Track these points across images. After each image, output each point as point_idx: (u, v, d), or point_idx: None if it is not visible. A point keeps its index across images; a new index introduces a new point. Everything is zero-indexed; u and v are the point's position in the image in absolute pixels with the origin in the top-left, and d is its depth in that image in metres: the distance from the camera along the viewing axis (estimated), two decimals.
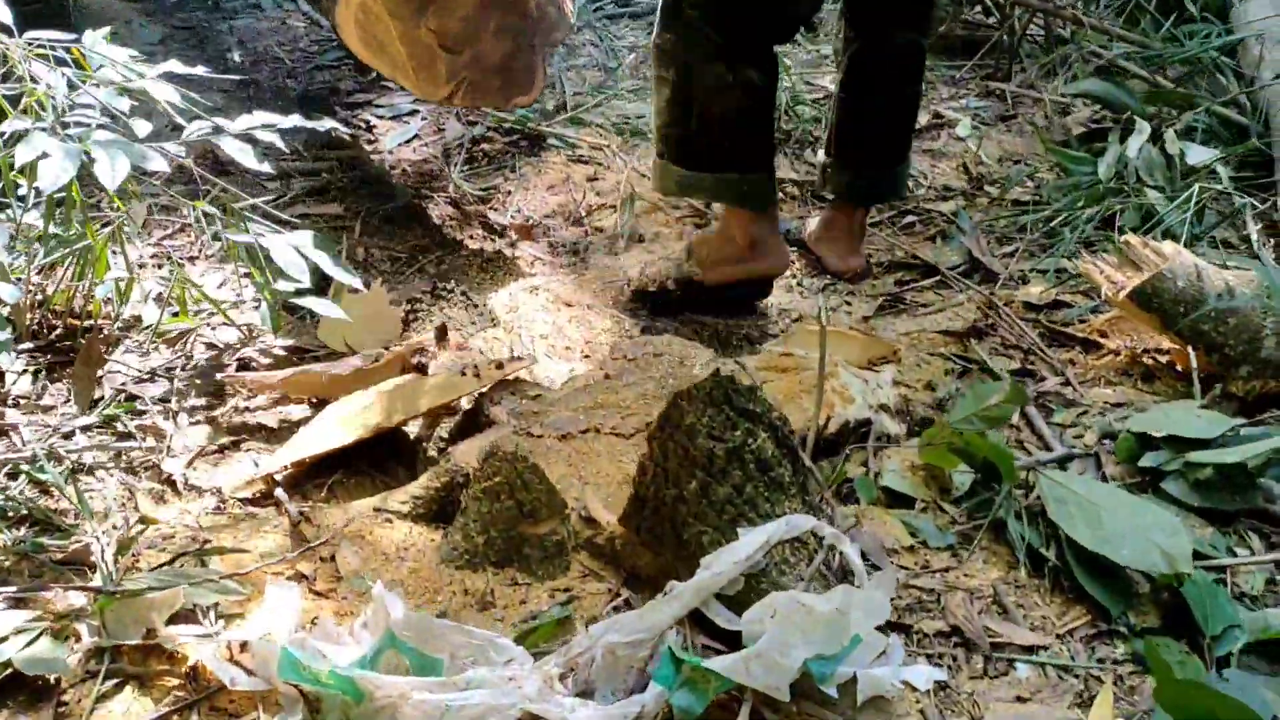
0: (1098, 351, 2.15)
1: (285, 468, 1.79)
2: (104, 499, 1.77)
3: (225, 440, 1.92)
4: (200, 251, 2.46)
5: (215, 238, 2.07)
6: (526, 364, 1.94)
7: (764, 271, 2.35)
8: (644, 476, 1.49)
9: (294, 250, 1.97)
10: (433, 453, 1.89)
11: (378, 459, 1.87)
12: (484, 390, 1.89)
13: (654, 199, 2.86)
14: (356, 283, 2.01)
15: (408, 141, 3.21)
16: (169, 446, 1.86)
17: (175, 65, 1.99)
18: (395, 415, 1.83)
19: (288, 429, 1.95)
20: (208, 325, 2.23)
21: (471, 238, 2.73)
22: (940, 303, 2.39)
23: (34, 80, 1.88)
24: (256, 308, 2.22)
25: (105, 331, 2.17)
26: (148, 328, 2.19)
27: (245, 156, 1.98)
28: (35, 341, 2.15)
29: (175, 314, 2.20)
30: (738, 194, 2.27)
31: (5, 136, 1.83)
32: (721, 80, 2.14)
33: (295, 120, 2.07)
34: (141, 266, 2.37)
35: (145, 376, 2.05)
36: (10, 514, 1.71)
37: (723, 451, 1.44)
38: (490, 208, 2.89)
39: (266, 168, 2.03)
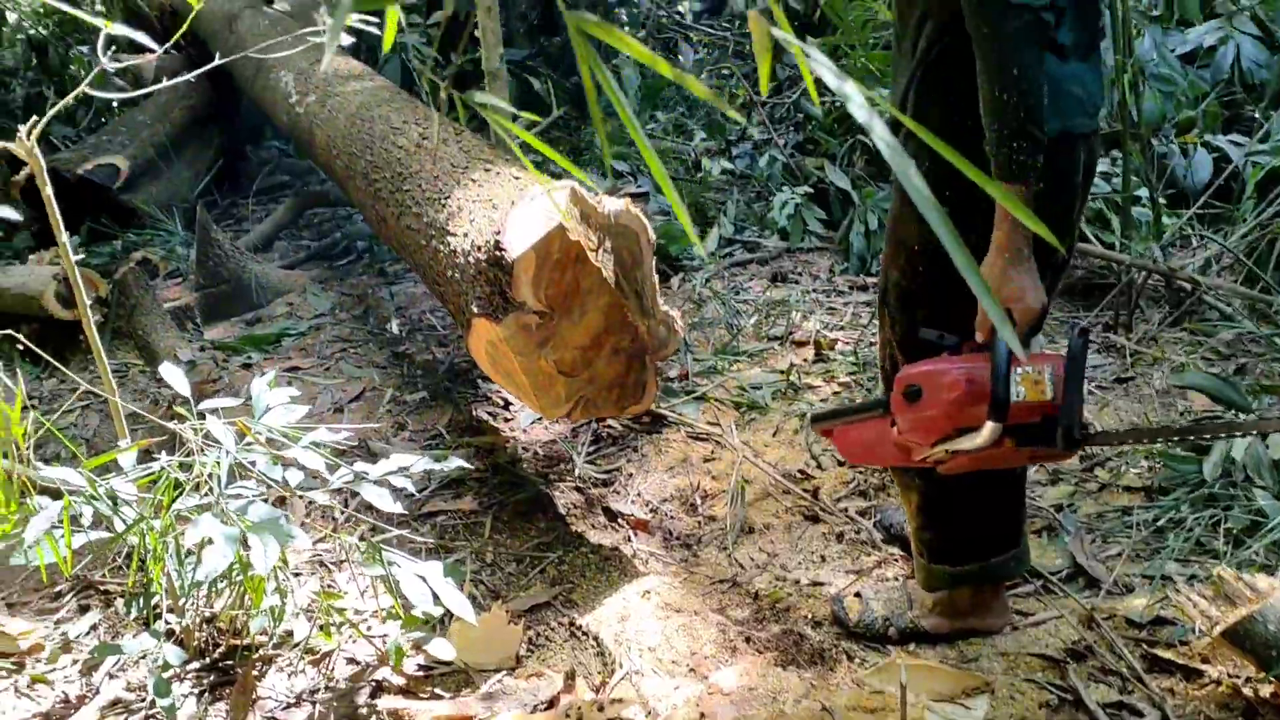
0: (1199, 680, 2.15)
1: None
2: None
3: None
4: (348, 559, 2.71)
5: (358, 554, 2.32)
6: (628, 708, 2.08)
7: (987, 629, 2.36)
8: None
9: (422, 581, 2.19)
10: None
11: None
12: None
13: (765, 485, 3.01)
14: (470, 616, 2.20)
15: (540, 420, 3.46)
16: None
17: (323, 433, 2.25)
18: None
19: None
20: (350, 641, 2.46)
21: (593, 527, 2.93)
22: (1040, 610, 2.43)
23: (207, 442, 2.19)
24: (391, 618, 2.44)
25: (260, 651, 2.43)
26: (297, 645, 2.44)
27: (383, 501, 2.23)
28: (201, 660, 2.42)
29: (322, 627, 2.45)
30: (1004, 573, 2.30)
31: (175, 511, 2.12)
32: (979, 480, 2.14)
33: (425, 463, 2.33)
34: (296, 575, 2.65)
35: (292, 702, 2.29)
36: None
37: None
38: (613, 491, 3.09)
39: (399, 508, 2.27)
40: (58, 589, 2.75)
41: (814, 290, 4.34)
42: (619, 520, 2.94)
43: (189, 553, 2.18)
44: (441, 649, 2.24)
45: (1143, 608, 2.36)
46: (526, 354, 2.60)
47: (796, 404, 3.43)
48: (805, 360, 3.71)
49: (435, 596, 2.18)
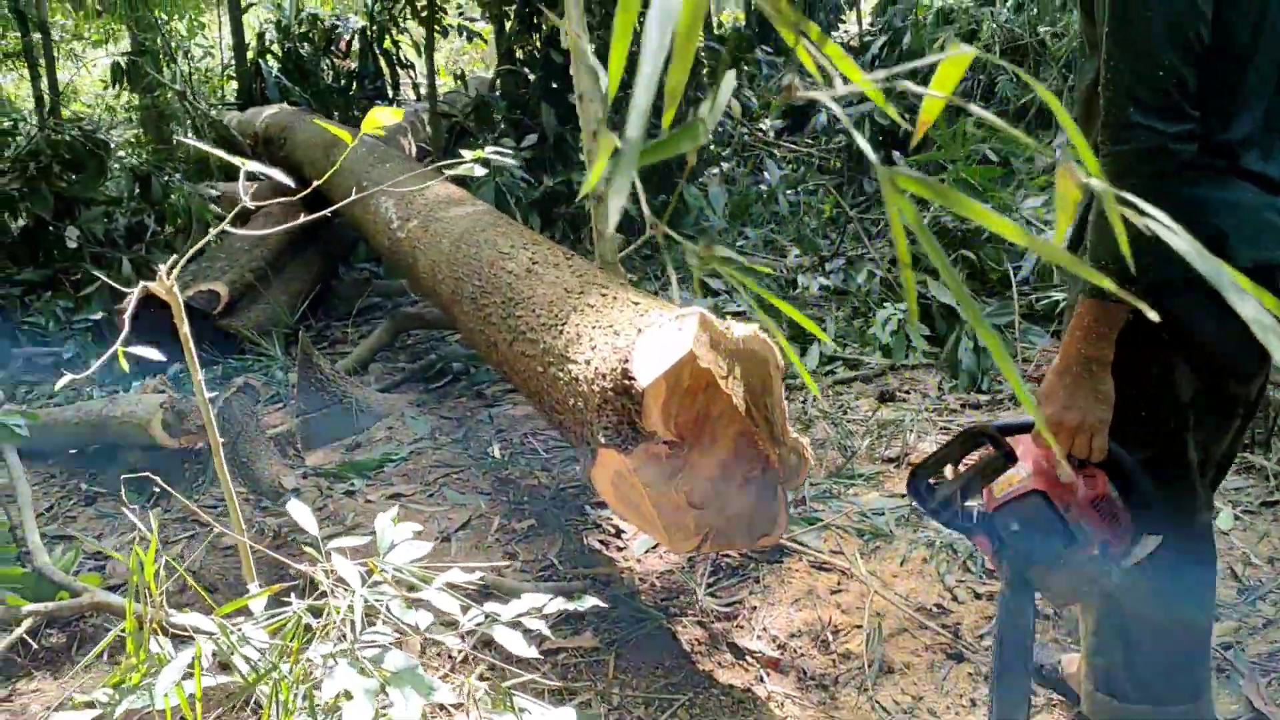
0: None
1: None
2: None
3: None
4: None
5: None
6: None
7: None
8: None
9: None
10: None
11: None
12: None
13: (900, 619, 2.85)
14: None
15: (654, 548, 3.35)
16: None
17: (456, 574, 2.16)
18: None
19: None
20: None
21: (720, 665, 2.78)
22: None
23: (337, 585, 2.11)
24: None
25: None
26: None
27: (516, 644, 2.13)
28: None
29: None
30: None
31: (309, 660, 2.04)
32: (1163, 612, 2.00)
33: (559, 604, 2.22)
34: None
35: None
36: None
37: None
38: (737, 625, 2.95)
39: (534, 652, 2.16)
40: None
41: (924, 409, 4.21)
42: (747, 658, 2.80)
43: (329, 706, 2.08)
44: None
45: None
46: (656, 485, 2.50)
47: (922, 531, 3.28)
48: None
49: None
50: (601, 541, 3.42)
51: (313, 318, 6.35)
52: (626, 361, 2.50)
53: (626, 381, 2.47)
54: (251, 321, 5.70)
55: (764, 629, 2.92)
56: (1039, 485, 1.81)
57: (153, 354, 2.02)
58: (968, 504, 1.85)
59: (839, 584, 3.07)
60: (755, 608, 3.02)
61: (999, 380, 4.40)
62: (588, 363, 2.71)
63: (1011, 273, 4.73)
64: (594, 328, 2.83)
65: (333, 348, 5.91)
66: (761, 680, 2.71)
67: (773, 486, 2.66)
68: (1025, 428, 1.83)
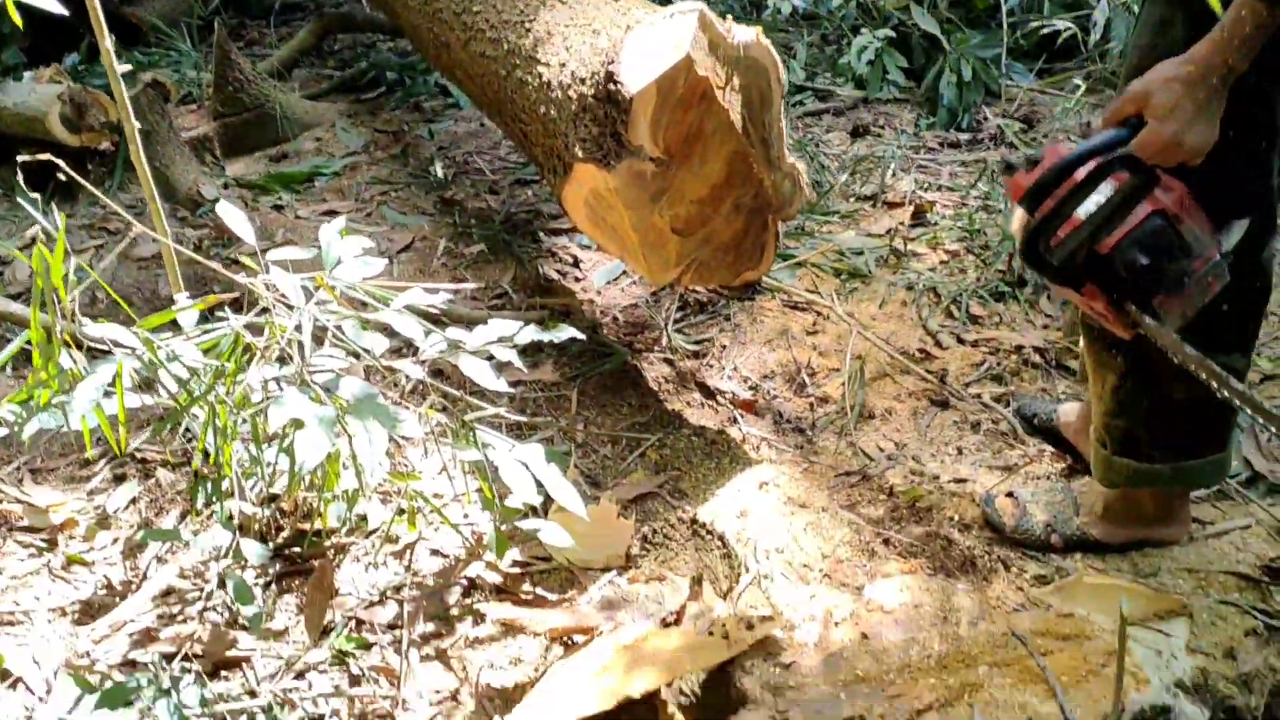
0: None
1: None
2: None
3: (456, 685, 1.84)
4: (429, 449, 2.39)
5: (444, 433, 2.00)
6: (777, 624, 1.79)
7: (1164, 539, 2.08)
8: None
9: (523, 468, 1.87)
10: (679, 716, 1.76)
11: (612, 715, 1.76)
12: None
13: (881, 363, 2.68)
14: (581, 509, 1.88)
15: (615, 280, 3.11)
16: (403, 700, 1.79)
17: (417, 294, 1.89)
18: (639, 684, 1.70)
19: (515, 664, 1.87)
20: (433, 527, 2.16)
21: (690, 405, 2.61)
22: (1220, 519, 2.15)
23: (278, 302, 1.84)
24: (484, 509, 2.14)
25: (333, 539, 2.12)
26: (374, 532, 2.14)
27: (484, 376, 1.90)
28: (265, 545, 2.12)
29: (402, 512, 2.14)
30: (1200, 479, 2.02)
31: (249, 384, 1.78)
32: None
33: (532, 332, 1.98)
34: None
35: (375, 600, 1.99)
36: None
37: None
38: (706, 364, 2.76)
39: (504, 385, 1.94)
40: (86, 456, 2.42)
41: (901, 146, 3.94)
42: (718, 399, 2.62)
43: (275, 435, 1.84)
44: (555, 535, 1.93)
45: None
46: (639, 207, 2.23)
47: (902, 273, 3.08)
48: (903, 224, 3.34)
49: (538, 485, 1.86)
50: (558, 271, 3.16)
51: (226, 13, 5.72)
52: (612, 64, 2.16)
53: (611, 87, 2.14)
54: (158, 10, 5.10)
55: (735, 369, 2.74)
56: (1156, 205, 1.57)
57: (53, 4, 1.63)
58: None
59: (815, 325, 2.88)
60: (725, 347, 2.82)
61: (981, 117, 4.12)
62: (562, 65, 2.36)
63: (1001, 1, 4.36)
64: (568, 26, 2.46)
65: (249, 49, 5.34)
66: (735, 422, 2.54)
67: (764, 216, 2.40)
68: (1108, 148, 1.56)
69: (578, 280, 3.14)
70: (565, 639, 1.88)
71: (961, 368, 2.67)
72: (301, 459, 1.53)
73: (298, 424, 1.60)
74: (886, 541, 2.13)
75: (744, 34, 2.25)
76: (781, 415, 2.56)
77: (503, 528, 1.99)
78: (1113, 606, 1.86)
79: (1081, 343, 2.01)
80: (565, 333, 2.02)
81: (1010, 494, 2.18)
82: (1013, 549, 2.11)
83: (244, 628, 1.92)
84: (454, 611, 1.99)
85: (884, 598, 1.89)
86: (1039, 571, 2.06)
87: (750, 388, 2.67)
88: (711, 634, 1.76)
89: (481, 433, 1.93)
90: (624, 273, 3.13)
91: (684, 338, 2.84)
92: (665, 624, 1.88)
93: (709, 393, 2.65)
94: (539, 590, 2.04)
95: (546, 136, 2.40)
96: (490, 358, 1.94)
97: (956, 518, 2.19)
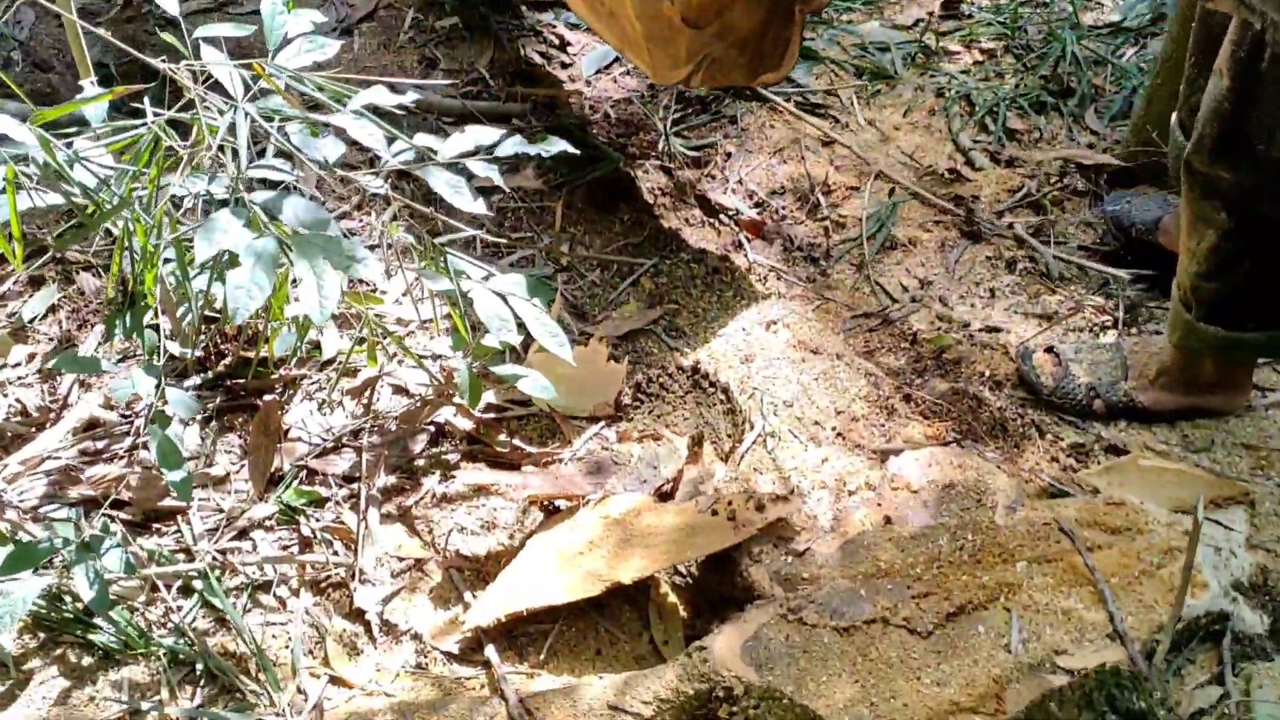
0: None
1: (497, 620, 1.49)
2: (288, 639, 1.50)
3: (421, 552, 1.62)
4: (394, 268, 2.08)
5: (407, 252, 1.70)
6: (793, 506, 1.56)
7: (1219, 408, 1.87)
8: None
9: (501, 302, 1.60)
10: (672, 598, 1.56)
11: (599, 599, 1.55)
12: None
13: (908, 181, 2.38)
14: (567, 354, 1.61)
15: (607, 67, 2.74)
16: (359, 570, 1.57)
17: (380, 94, 1.54)
18: (630, 569, 1.49)
19: (488, 529, 1.65)
20: (396, 360, 1.89)
21: (689, 223, 2.31)
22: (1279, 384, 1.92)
23: (202, 99, 1.50)
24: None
25: (281, 370, 1.85)
26: (328, 364, 1.87)
27: (459, 196, 1.59)
28: (202, 374, 1.85)
29: (361, 341, 1.86)
30: None
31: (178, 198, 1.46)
32: None
33: (516, 144, 1.65)
34: None
35: (329, 446, 1.74)
36: (184, 659, 1.45)
37: None
38: (708, 175, 2.44)
39: (481, 207, 1.62)
40: None
41: None
42: (721, 217, 2.32)
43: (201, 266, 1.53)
44: (536, 385, 1.67)
45: None
46: None
47: (931, 75, 2.72)
48: (933, 14, 2.94)
49: (519, 323, 1.59)
50: (542, 54, 2.77)
51: None
52: None
53: None
54: None
55: (740, 182, 2.42)
56: None
57: None
58: None
59: (832, 133, 2.54)
60: (730, 155, 2.49)
61: None
62: None
63: None
64: None
65: None
66: (740, 247, 2.25)
67: (789, 5, 2.04)
68: None
69: (564, 66, 2.76)
70: (546, 504, 1.66)
71: (997, 192, 2.37)
72: (234, 305, 1.24)
73: (231, 260, 1.30)
74: (908, 398, 1.90)
75: None
76: (792, 241, 2.28)
77: (476, 367, 1.73)
78: (1168, 495, 1.65)
79: (1181, 194, 1.71)
80: (555, 146, 1.69)
81: (1050, 349, 1.93)
82: (1048, 412, 1.89)
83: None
84: (419, 463, 1.75)
85: (909, 473, 1.66)
86: (1077, 440, 1.84)
87: (757, 205, 2.37)
88: (716, 513, 1.54)
89: (453, 258, 1.64)
90: (617, 59, 2.75)
91: (684, 142, 2.51)
92: (660, 494, 1.66)
93: (711, 209, 2.35)
94: (516, 441, 1.79)
95: None
96: (466, 173, 1.62)
97: (988, 373, 1.95)
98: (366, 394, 1.83)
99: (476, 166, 1.63)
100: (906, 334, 2.03)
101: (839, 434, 1.83)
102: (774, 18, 2.03)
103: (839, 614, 1.43)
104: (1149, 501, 1.61)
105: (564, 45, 2.82)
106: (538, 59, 2.74)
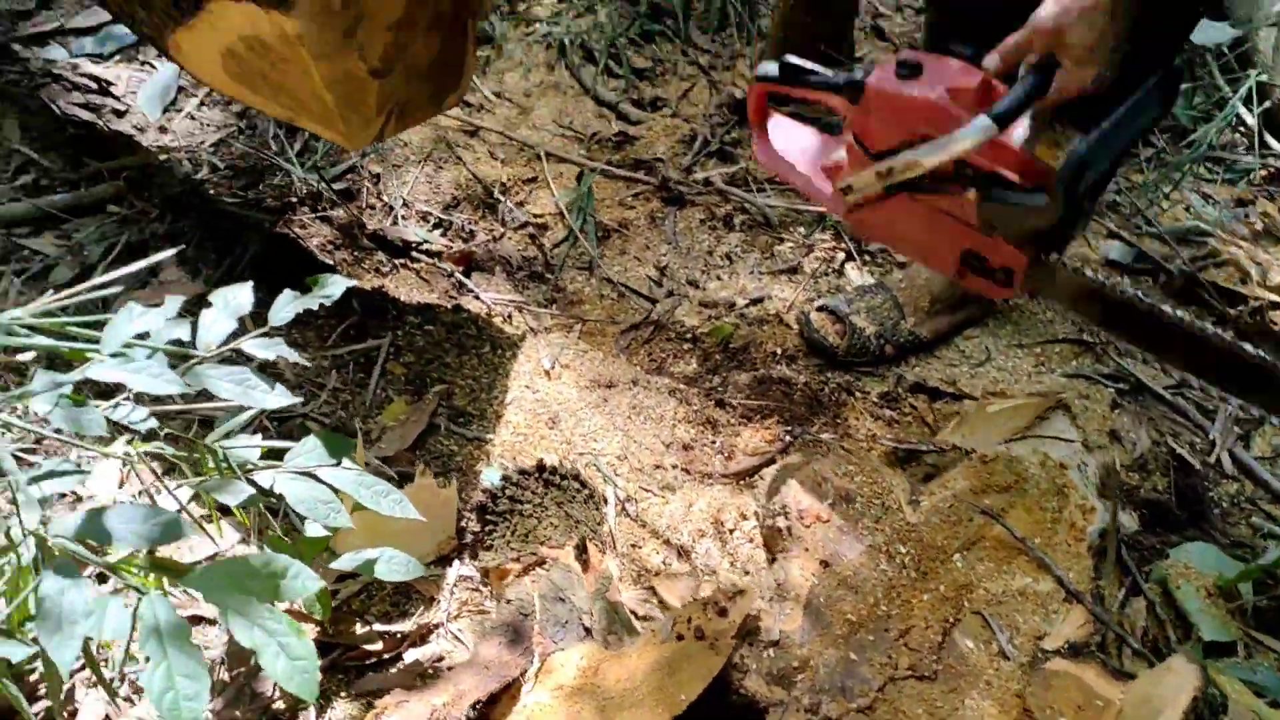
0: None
1: None
2: None
3: None
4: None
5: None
6: (751, 597, 1.43)
7: (980, 315, 1.99)
8: None
9: (314, 481, 1.29)
10: None
11: None
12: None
13: (575, 156, 2.21)
14: (412, 511, 1.33)
15: (173, 101, 2.24)
16: None
17: None
18: None
19: None
20: None
21: (381, 272, 1.99)
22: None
23: None
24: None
25: None
26: None
27: (252, 394, 1.22)
28: None
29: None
30: None
31: None
32: None
33: (288, 300, 1.30)
34: None
35: None
36: None
37: None
38: (367, 207, 2.11)
39: (288, 396, 1.26)
40: None
41: None
42: (412, 254, 2.03)
43: None
44: (400, 567, 1.36)
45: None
46: (332, 54, 1.51)
47: (527, 26, 2.53)
48: None
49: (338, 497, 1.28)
50: (85, 105, 2.19)
51: None
52: None
53: None
54: None
55: (405, 204, 2.12)
56: None
57: None
58: None
59: (471, 121, 2.28)
60: (379, 176, 2.17)
61: None
62: None
63: None
64: None
65: None
66: (463, 287, 1.98)
67: (461, 21, 1.75)
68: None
69: (120, 115, 2.21)
70: (477, 703, 1.39)
71: (671, 146, 2.28)
72: None
73: None
74: (720, 403, 1.81)
75: None
76: (510, 262, 2.05)
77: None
78: (1000, 428, 1.73)
79: None
80: (334, 287, 1.35)
81: (823, 308, 1.93)
82: (846, 371, 1.90)
83: None
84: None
85: (805, 502, 1.59)
86: (881, 389, 1.88)
87: (437, 226, 2.10)
88: (682, 637, 1.38)
89: (232, 451, 1.28)
90: (182, 89, 2.26)
91: (321, 175, 2.14)
92: (588, 630, 1.45)
93: (394, 248, 2.04)
94: (377, 626, 1.48)
95: None
96: (246, 359, 1.26)
97: (779, 351, 1.91)
98: None
99: (256, 349, 1.27)
100: (683, 335, 1.93)
101: (683, 469, 1.72)
102: (450, 40, 1.75)
103: (851, 693, 1.36)
104: (993, 441, 1.68)
105: (105, 87, 2.25)
106: (85, 114, 2.17)
